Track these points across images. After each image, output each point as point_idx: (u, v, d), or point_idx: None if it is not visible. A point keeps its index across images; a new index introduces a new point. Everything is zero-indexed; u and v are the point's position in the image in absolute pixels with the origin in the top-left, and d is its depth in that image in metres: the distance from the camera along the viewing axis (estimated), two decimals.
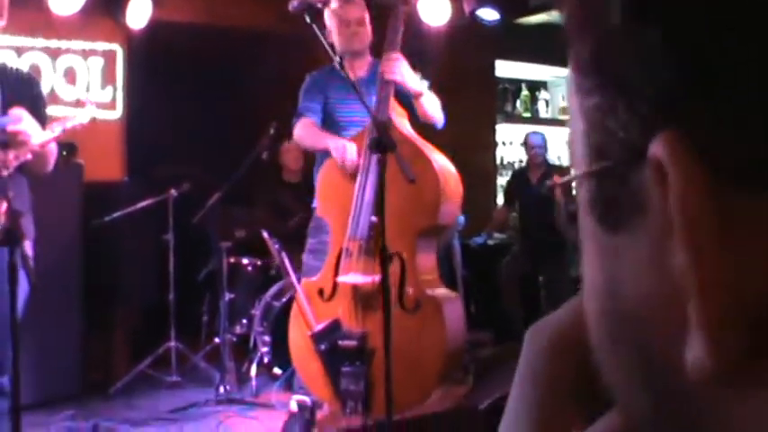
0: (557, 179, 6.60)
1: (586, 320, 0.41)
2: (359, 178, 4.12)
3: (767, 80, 0.32)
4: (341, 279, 4.10)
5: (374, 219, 3.95)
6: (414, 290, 4.03)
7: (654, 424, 0.37)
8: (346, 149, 4.15)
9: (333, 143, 4.23)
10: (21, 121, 3.58)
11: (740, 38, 0.33)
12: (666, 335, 0.35)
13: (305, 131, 4.48)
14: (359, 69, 4.51)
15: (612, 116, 0.36)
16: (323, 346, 3.98)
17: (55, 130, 3.78)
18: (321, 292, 4.20)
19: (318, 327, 4.02)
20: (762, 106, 0.32)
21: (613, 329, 0.39)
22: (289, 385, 5.06)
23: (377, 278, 3.81)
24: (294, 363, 4.33)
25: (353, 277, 4.06)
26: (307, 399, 4.13)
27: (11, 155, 3.59)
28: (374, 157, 3.87)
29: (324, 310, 4.13)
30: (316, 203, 4.42)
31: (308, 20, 4.03)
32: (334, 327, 3.98)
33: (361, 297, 4.04)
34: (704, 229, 0.33)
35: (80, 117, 3.91)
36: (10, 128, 3.55)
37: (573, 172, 0.41)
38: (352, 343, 3.95)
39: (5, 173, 3.57)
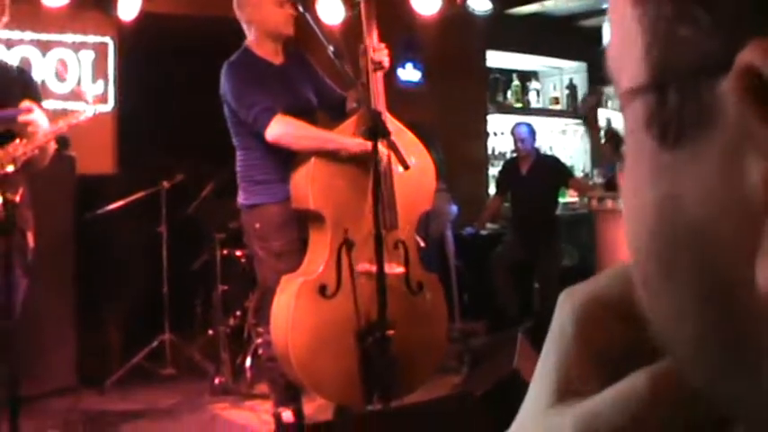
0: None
1: (630, 250, 0.39)
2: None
3: None
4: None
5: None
6: (414, 273, 4.23)
7: (707, 351, 0.35)
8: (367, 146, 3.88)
9: (350, 142, 3.97)
10: (32, 111, 3.56)
11: None
12: (736, 249, 0.33)
13: (299, 131, 4.01)
14: (278, 55, 4.24)
15: (687, 24, 0.33)
16: (370, 340, 3.89)
17: (61, 125, 3.75)
18: (323, 289, 3.99)
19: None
20: None
21: (667, 251, 0.36)
22: None
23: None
24: (293, 363, 3.95)
25: (389, 267, 3.94)
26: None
27: (19, 149, 3.56)
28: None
29: (327, 307, 3.98)
30: (297, 196, 4.08)
31: (300, 9, 4.03)
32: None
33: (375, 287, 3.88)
34: None
35: (85, 112, 3.85)
36: (21, 118, 3.53)
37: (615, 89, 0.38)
38: (392, 332, 3.87)
39: (12, 168, 3.53)
